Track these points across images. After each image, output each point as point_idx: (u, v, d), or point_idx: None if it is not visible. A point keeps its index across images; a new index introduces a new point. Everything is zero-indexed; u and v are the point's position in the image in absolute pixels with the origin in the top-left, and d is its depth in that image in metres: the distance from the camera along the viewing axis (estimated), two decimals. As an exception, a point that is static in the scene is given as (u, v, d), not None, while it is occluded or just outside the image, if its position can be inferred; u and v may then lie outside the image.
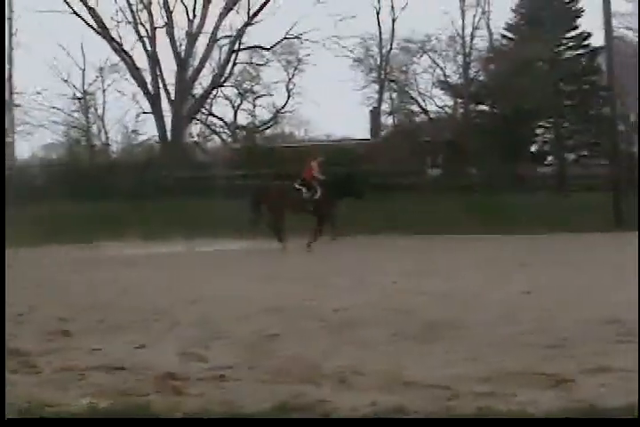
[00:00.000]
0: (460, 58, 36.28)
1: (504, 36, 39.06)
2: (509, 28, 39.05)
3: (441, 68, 36.10)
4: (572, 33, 39.57)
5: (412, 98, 36.11)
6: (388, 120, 38.86)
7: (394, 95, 37.20)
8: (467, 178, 31.68)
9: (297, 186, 17.46)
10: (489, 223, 19.23)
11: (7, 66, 31.75)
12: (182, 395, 4.87)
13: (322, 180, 17.50)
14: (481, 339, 6.41)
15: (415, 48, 35.94)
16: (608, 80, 25.25)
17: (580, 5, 39.27)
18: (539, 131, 39.34)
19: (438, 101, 36.83)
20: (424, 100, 36.07)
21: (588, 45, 39.27)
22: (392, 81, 36.16)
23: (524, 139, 35.88)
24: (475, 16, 36.76)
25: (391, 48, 36.40)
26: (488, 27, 37.27)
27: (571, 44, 39.67)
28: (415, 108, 36.59)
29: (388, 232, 18.66)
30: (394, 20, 36.23)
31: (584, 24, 39.96)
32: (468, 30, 36.65)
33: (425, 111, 36.08)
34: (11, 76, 32.65)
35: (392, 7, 36.09)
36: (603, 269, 11.44)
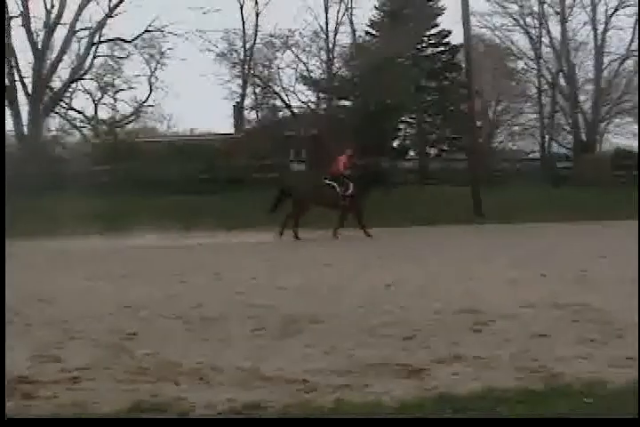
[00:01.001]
0: (323, 53, 36.51)
1: (367, 33, 39.62)
2: (373, 24, 39.65)
3: (304, 64, 36.19)
4: (433, 31, 40.55)
5: (276, 93, 36.07)
6: (251, 115, 38.77)
7: (257, 90, 37.10)
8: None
9: (328, 182, 17.52)
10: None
11: None
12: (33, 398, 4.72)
13: (350, 175, 17.63)
14: (340, 332, 6.47)
15: (279, 43, 35.93)
16: (467, 77, 25.95)
17: (440, 4, 40.31)
18: (401, 126, 40.15)
19: (302, 96, 36.94)
20: (287, 95, 36.07)
21: (448, 43, 40.34)
22: (255, 76, 36.03)
23: (386, 134, 36.47)
24: (338, 12, 37.04)
25: (255, 43, 36.30)
26: (351, 23, 37.68)
27: (432, 41, 40.65)
28: (279, 102, 36.60)
29: (247, 227, 18.50)
30: (257, 15, 36.17)
31: (445, 22, 41.06)
32: (332, 26, 36.94)
33: (288, 106, 36.11)
34: None
35: (256, 2, 36.01)
36: (462, 260, 11.78)
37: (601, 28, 38.59)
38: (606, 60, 39.14)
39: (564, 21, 38.21)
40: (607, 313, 7.06)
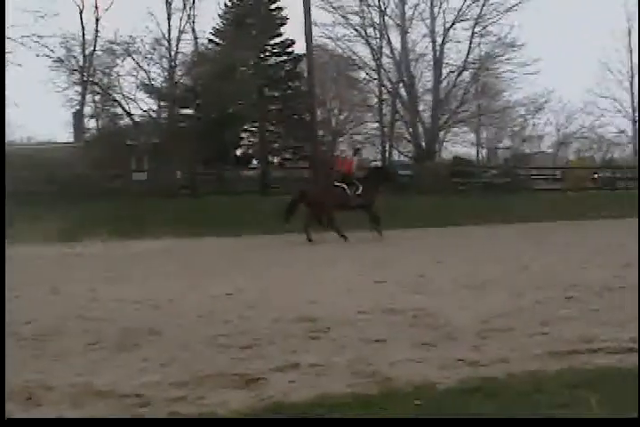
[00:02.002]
0: (165, 61, 36.15)
1: (211, 41, 39.54)
2: (216, 32, 39.62)
3: (145, 71, 35.73)
4: (277, 40, 40.92)
5: (116, 101, 35.41)
6: (91, 123, 37.89)
7: (97, 98, 36.30)
8: (172, 181, 31.60)
9: (337, 184, 17.74)
10: (195, 225, 19.30)
11: None
12: None
13: (358, 175, 18.12)
14: (178, 344, 6.38)
15: (119, 50, 35.31)
16: (308, 86, 26.27)
17: (284, 13, 40.72)
18: (244, 135, 40.25)
19: (143, 105, 36.47)
20: (128, 104, 35.51)
21: (291, 52, 40.78)
22: (95, 83, 35.23)
23: (229, 142, 36.46)
24: (181, 19, 36.84)
25: (95, 49, 35.56)
26: (193, 30, 37.52)
27: (275, 50, 41.01)
28: (119, 111, 35.94)
29: (88, 237, 18.01)
30: (97, 20, 35.47)
31: (288, 32, 41.55)
32: (175, 33, 36.66)
33: (129, 114, 35.53)
34: None
35: (96, 7, 35.37)
36: (303, 268, 11.87)
37: (439, 40, 40.05)
38: (444, 71, 40.66)
39: (404, 33, 39.40)
40: (441, 317, 7.27)
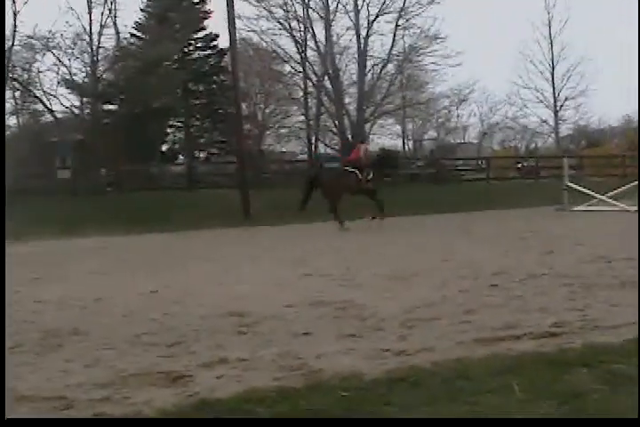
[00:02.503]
0: (86, 56, 35.49)
1: (133, 35, 39.05)
2: (139, 27, 39.14)
3: (66, 67, 35.08)
4: (201, 34, 40.63)
5: (37, 97, 34.71)
6: (11, 120, 37.06)
7: (17, 94, 35.52)
8: (97, 179, 31.17)
9: (350, 169, 18.39)
10: (123, 222, 19.02)
11: None
12: None
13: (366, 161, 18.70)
14: (102, 343, 6.29)
15: (39, 45, 34.57)
16: (233, 80, 26.10)
17: (207, 7, 40.43)
18: (169, 130, 39.91)
19: (65, 101, 35.82)
20: (49, 100, 34.83)
21: (215, 46, 40.53)
22: (15, 79, 34.45)
23: (154, 138, 36.10)
24: (102, 13, 36.13)
25: (13, 44, 34.69)
26: (115, 25, 36.87)
27: (199, 44, 40.73)
28: (40, 107, 35.22)
29: (13, 238, 17.60)
30: (15, 14, 34.57)
31: (212, 25, 41.26)
32: (96, 28, 35.97)
33: (51, 111, 34.84)
34: None
35: (13, 0, 34.45)
36: (229, 263, 11.81)
37: (364, 33, 40.26)
38: (369, 63, 40.89)
39: (328, 26, 39.48)
40: (368, 308, 7.32)
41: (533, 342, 5.74)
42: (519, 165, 42.04)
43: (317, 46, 40.17)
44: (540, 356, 5.22)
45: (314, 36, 40.04)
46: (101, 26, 36.03)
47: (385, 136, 48.57)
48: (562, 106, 50.79)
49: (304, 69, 40.58)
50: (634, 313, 6.40)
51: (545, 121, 51.66)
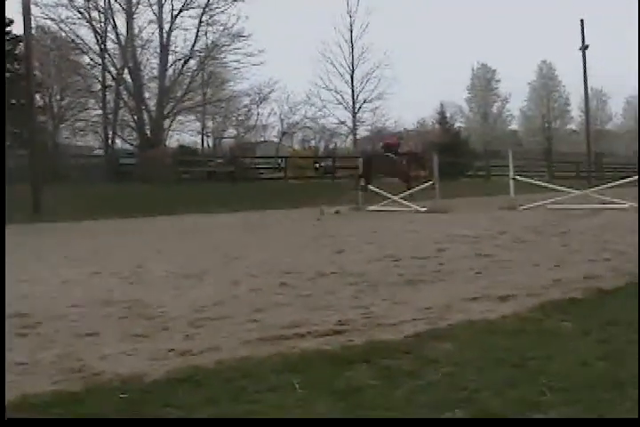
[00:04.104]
0: None
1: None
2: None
3: None
4: (-6, 19, 38.64)
5: None
6: None
7: None
8: None
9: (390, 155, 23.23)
10: None
11: None
12: None
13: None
14: None
15: None
16: (27, 69, 25.08)
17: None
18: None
19: None
20: None
21: (9, 32, 38.70)
22: None
23: None
24: None
25: None
26: None
27: (-8, 30, 38.72)
28: None
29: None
30: None
31: (7, 11, 39.36)
32: None
33: None
34: None
35: None
36: (14, 262, 11.32)
37: (167, 27, 39.82)
38: (171, 58, 40.54)
39: (130, 18, 38.75)
40: (156, 308, 7.24)
41: (318, 339, 5.85)
42: (317, 165, 42.92)
43: (118, 38, 39.38)
44: (323, 353, 5.33)
45: (115, 27, 39.24)
46: None
47: (184, 133, 48.23)
48: (360, 108, 52.39)
49: (103, 61, 39.62)
50: (415, 310, 6.70)
51: (343, 122, 53.11)
